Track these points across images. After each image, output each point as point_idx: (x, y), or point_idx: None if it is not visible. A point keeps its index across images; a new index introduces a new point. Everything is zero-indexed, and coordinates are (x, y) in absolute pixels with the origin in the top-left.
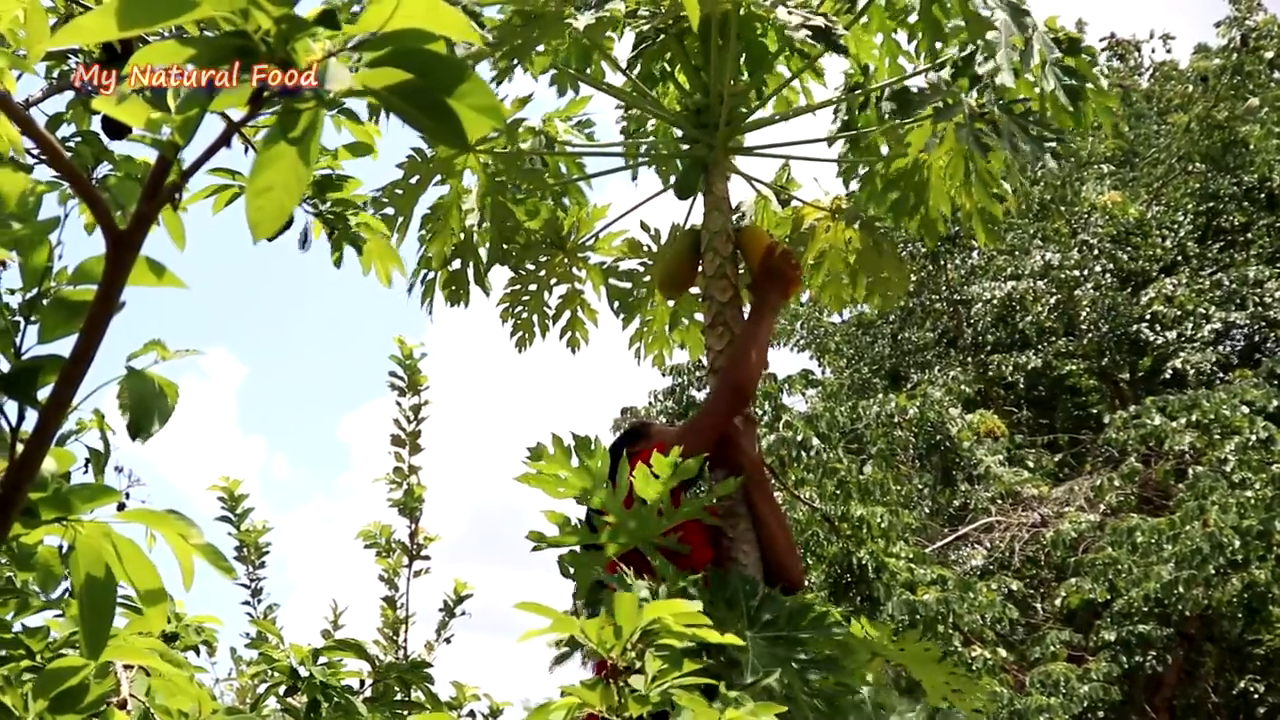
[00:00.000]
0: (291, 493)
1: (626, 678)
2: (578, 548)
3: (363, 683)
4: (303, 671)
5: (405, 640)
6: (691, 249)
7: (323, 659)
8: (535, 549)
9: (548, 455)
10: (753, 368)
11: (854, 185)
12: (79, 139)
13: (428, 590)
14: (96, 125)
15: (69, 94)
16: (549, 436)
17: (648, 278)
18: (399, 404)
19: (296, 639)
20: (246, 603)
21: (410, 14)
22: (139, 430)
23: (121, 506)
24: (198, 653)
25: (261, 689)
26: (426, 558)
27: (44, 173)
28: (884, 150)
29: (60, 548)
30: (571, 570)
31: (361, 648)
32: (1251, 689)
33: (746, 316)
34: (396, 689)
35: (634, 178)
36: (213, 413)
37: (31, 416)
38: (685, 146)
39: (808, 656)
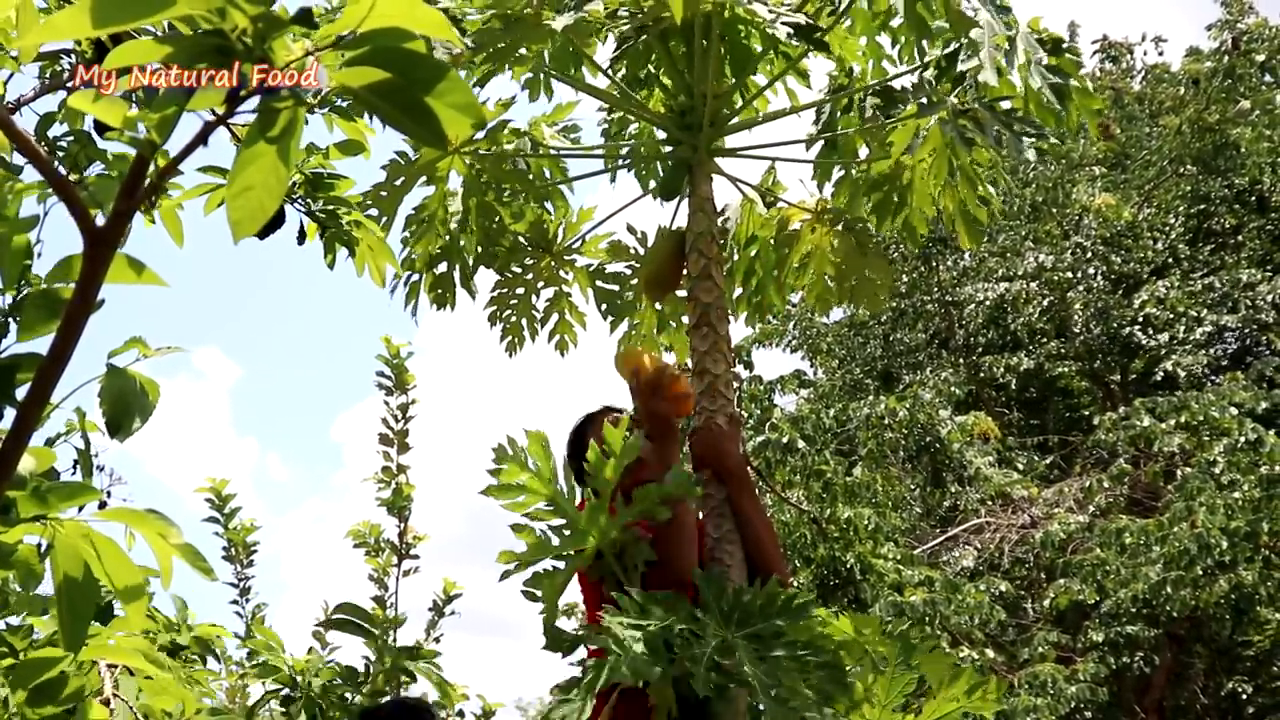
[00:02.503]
0: (285, 493)
1: None
2: (548, 564)
3: (367, 668)
4: (299, 680)
5: (395, 640)
6: (676, 251)
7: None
8: (504, 576)
9: (508, 458)
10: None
11: (829, 188)
12: (70, 138)
13: (418, 590)
14: (89, 124)
15: (61, 94)
16: (510, 437)
17: (634, 280)
18: (386, 403)
19: (288, 639)
20: (235, 602)
21: (388, 13)
22: (118, 428)
23: (103, 505)
24: (204, 662)
25: (259, 692)
26: (415, 557)
27: (35, 174)
28: (864, 152)
29: (39, 546)
30: (538, 593)
31: (364, 611)
32: (1240, 690)
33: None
34: (400, 675)
35: (612, 180)
36: (207, 413)
37: (10, 415)
38: (669, 148)
39: (793, 647)
